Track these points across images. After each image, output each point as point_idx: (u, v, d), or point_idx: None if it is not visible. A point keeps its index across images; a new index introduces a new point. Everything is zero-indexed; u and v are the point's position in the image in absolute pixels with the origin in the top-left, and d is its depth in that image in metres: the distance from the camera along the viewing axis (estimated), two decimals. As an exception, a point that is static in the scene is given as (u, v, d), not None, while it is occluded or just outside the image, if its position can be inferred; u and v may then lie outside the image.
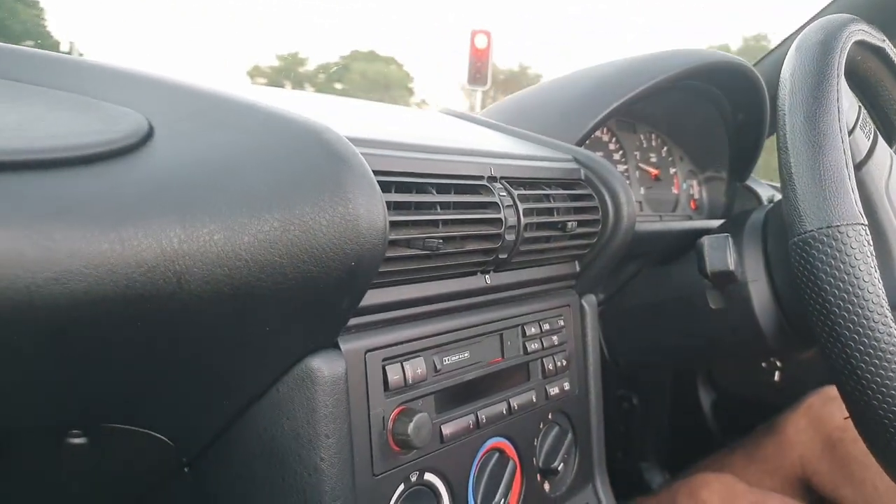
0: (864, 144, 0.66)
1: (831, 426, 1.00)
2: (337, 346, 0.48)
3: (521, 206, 0.59)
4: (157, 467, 0.53)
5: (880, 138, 0.69)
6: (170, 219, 0.40)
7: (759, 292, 0.82)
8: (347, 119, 0.62)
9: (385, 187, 0.47)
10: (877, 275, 0.57)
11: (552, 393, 0.67)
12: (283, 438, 0.47)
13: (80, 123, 0.46)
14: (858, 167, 0.65)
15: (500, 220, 0.57)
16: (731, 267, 0.77)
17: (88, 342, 0.40)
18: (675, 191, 1.13)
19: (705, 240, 0.78)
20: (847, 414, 0.67)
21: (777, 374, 1.03)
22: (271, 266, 0.42)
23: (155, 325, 0.41)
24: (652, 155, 1.09)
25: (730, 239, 0.78)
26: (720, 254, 0.77)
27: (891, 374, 0.58)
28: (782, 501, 0.88)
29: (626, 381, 1.30)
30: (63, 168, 0.41)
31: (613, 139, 1.01)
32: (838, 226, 0.57)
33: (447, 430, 0.55)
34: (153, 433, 0.49)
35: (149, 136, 0.45)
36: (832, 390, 1.06)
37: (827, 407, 1.04)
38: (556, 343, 0.68)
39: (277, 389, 0.47)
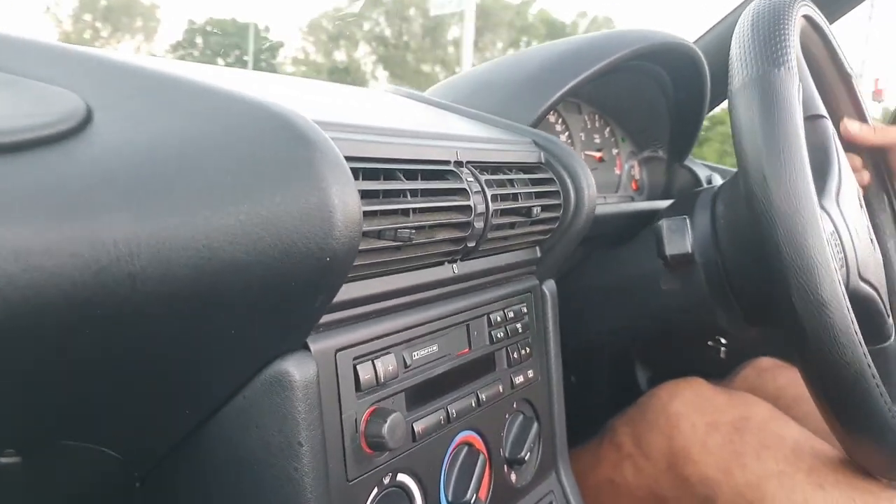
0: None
1: (764, 395, 1.03)
2: (306, 347, 0.44)
3: (488, 192, 0.56)
4: (103, 485, 0.49)
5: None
6: (120, 213, 0.36)
7: (709, 273, 0.82)
8: (298, 100, 0.57)
9: (353, 174, 0.44)
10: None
11: (517, 381, 0.65)
12: (251, 448, 0.43)
13: (6, 105, 0.40)
14: None
15: (469, 206, 0.54)
16: (690, 249, 0.77)
17: (32, 353, 0.35)
18: (617, 171, 1.13)
19: (664, 223, 0.78)
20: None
21: (722, 350, 1.05)
22: (237, 264, 0.38)
23: (107, 332, 0.37)
24: (596, 136, 1.08)
25: (688, 221, 0.78)
26: (679, 237, 0.77)
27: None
28: (751, 399, 0.86)
29: (565, 360, 1.30)
30: (-10, 157, 0.36)
31: (560, 120, 1.00)
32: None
33: (419, 427, 0.53)
34: (100, 448, 0.44)
35: (87, 119, 0.40)
36: (765, 361, 1.09)
37: (761, 377, 1.07)
38: (520, 331, 0.66)
39: (244, 396, 0.43)
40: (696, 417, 0.84)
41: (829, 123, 0.77)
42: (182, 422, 0.44)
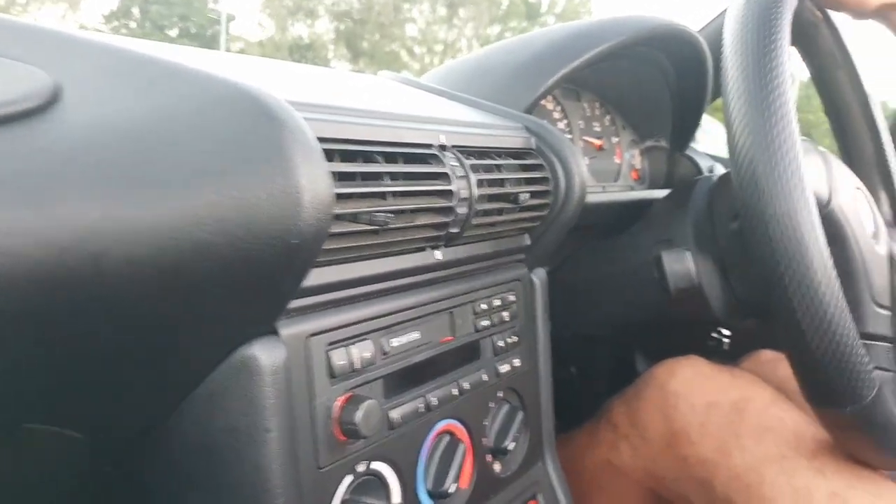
0: None
1: None
2: (276, 332, 0.44)
3: (473, 177, 0.55)
4: (72, 469, 0.48)
5: None
6: (84, 193, 0.36)
7: (705, 263, 0.81)
8: (280, 81, 0.57)
9: (328, 156, 0.43)
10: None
11: (503, 371, 0.64)
12: (218, 434, 0.43)
13: (-27, 82, 0.40)
14: None
15: (451, 191, 0.53)
16: (696, 281, 0.77)
17: (-10, 334, 0.35)
18: (617, 160, 1.12)
19: (664, 256, 0.78)
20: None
21: (725, 343, 1.03)
22: (204, 245, 0.37)
23: (70, 314, 0.36)
24: (595, 124, 1.07)
25: (689, 254, 0.78)
26: (683, 270, 0.77)
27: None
28: (752, 380, 0.85)
29: (564, 351, 1.29)
30: (-47, 133, 0.35)
31: (558, 107, 0.98)
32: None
33: (396, 415, 0.52)
34: (69, 432, 0.44)
35: (55, 97, 0.39)
36: (766, 354, 1.07)
37: (761, 369, 1.05)
38: (506, 319, 0.65)
39: (211, 380, 0.42)
40: (695, 397, 0.82)
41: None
42: (149, 406, 0.44)
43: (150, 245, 0.36)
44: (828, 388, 0.61)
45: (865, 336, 0.68)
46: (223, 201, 0.37)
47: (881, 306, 0.73)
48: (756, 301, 0.81)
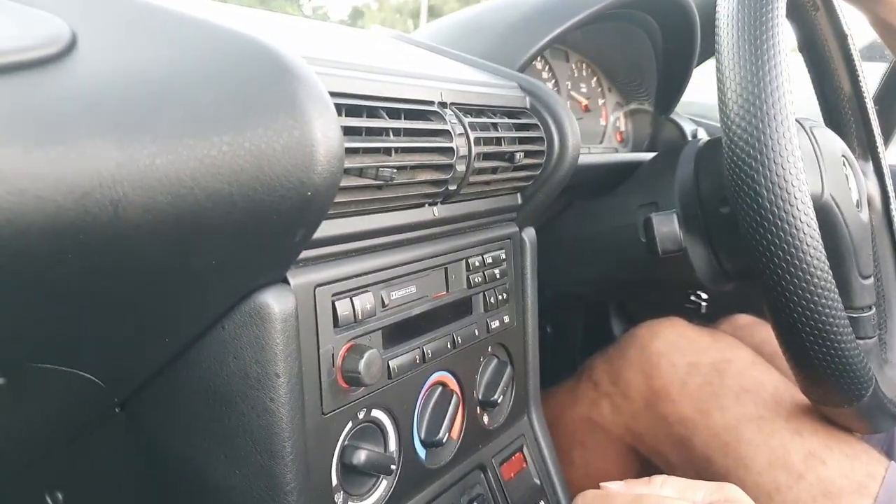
0: None
1: None
2: (286, 281, 0.45)
3: (471, 135, 0.57)
4: (84, 408, 0.50)
5: None
6: (104, 139, 0.36)
7: (690, 226, 0.83)
8: (287, 36, 0.57)
9: (336, 110, 0.44)
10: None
11: (493, 326, 0.66)
12: (228, 378, 0.44)
13: (-13, 26, 0.40)
14: None
15: (451, 149, 0.54)
16: (683, 244, 0.78)
17: (12, 277, 0.36)
18: (602, 122, 1.13)
19: (654, 217, 0.79)
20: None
21: (703, 306, 1.06)
22: (219, 194, 0.38)
23: (88, 258, 0.37)
24: (583, 85, 1.08)
25: (675, 216, 0.79)
26: (671, 232, 0.78)
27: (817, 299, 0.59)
28: (733, 342, 0.87)
29: (540, 310, 1.32)
30: (-29, 78, 0.35)
31: (547, 67, 0.99)
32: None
33: (394, 364, 0.54)
34: (81, 373, 0.45)
35: (72, 45, 0.39)
36: (742, 318, 1.11)
37: (738, 333, 1.08)
38: (497, 276, 0.67)
39: (223, 327, 0.44)
40: (677, 357, 0.84)
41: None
42: (161, 350, 0.45)
43: (167, 193, 0.37)
44: (828, 392, 0.63)
45: (852, 310, 0.70)
46: (238, 151, 0.38)
47: (865, 277, 0.75)
48: (738, 263, 0.83)
